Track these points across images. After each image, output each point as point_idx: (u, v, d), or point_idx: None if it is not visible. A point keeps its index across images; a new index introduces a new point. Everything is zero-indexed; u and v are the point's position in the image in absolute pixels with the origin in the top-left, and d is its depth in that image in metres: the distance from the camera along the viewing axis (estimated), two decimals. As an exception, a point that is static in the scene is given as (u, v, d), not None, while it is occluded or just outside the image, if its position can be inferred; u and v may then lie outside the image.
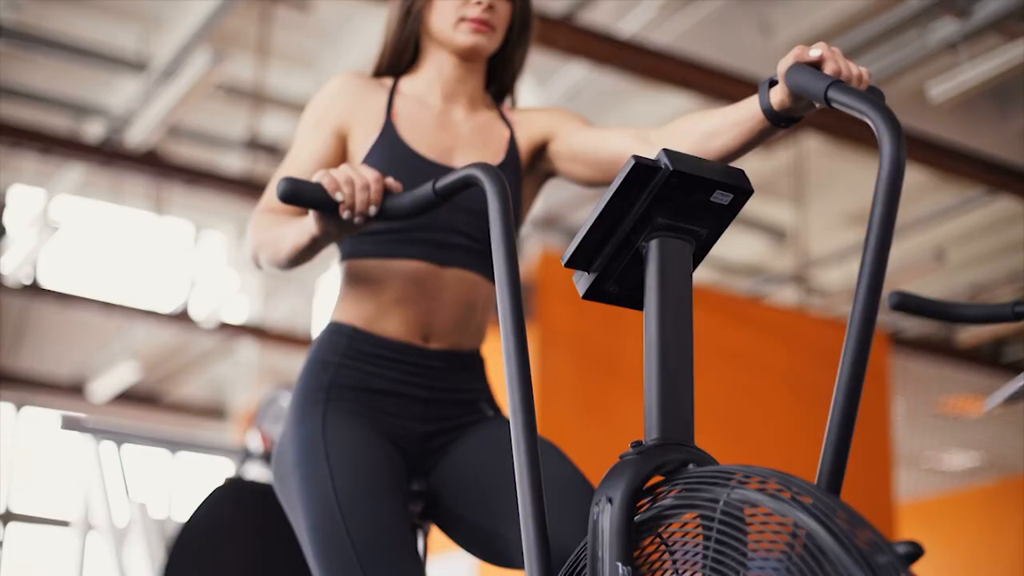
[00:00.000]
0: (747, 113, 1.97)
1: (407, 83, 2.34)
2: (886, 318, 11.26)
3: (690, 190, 1.56)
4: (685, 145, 2.05)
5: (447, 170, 2.19)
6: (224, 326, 10.53)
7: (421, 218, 2.16)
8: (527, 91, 7.72)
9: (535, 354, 7.19)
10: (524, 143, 2.34)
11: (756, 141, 2.00)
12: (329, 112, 2.26)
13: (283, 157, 8.49)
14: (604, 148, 2.22)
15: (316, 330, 10.81)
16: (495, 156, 2.30)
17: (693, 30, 7.27)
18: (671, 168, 1.54)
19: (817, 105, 1.80)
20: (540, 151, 2.35)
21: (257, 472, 3.46)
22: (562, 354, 7.09)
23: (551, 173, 2.37)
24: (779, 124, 1.94)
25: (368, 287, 2.20)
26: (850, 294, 10.60)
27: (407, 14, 2.30)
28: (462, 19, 2.26)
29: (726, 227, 1.62)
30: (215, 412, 13.77)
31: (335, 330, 2.21)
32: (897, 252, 10.15)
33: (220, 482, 2.93)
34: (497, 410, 2.28)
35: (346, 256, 2.24)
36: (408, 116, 2.27)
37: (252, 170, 8.43)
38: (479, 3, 2.24)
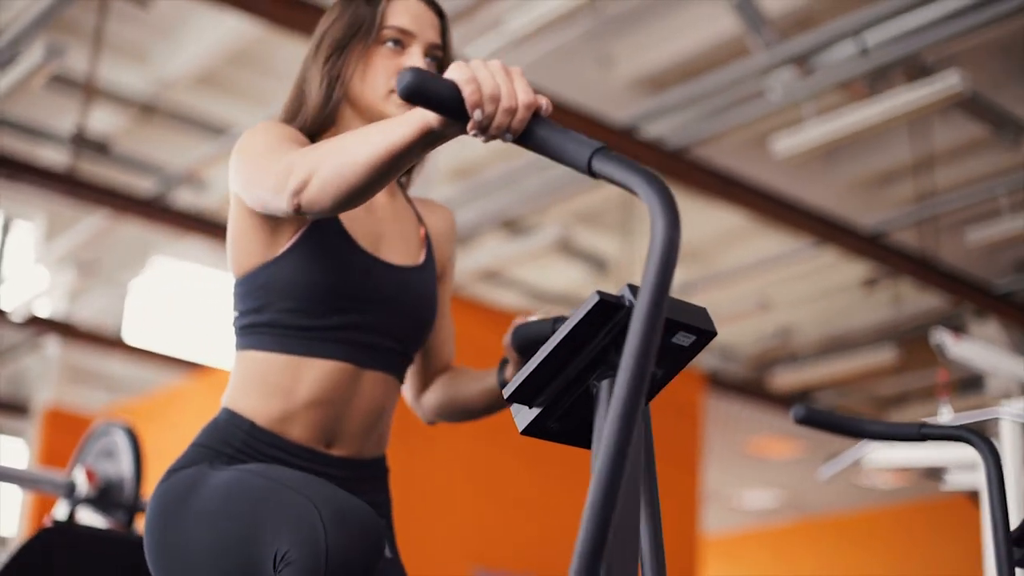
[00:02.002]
0: (488, 381, 2.21)
1: None
2: (703, 357, 11.40)
3: None
4: (438, 396, 2.30)
5: (377, 262, 2.07)
6: (31, 321, 10.18)
7: (351, 317, 2.02)
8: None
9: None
10: (436, 251, 2.26)
11: (497, 409, 2.23)
12: (293, 142, 1.95)
13: (110, 153, 8.30)
14: (436, 336, 2.31)
15: (127, 330, 10.48)
16: (416, 253, 2.18)
17: (536, 62, 7.24)
18: None
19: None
20: None
21: (87, 516, 3.25)
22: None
23: None
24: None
25: (277, 384, 2.01)
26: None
27: (333, 80, 2.11)
28: (393, 91, 2.09)
29: (683, 367, 1.53)
30: (16, 408, 13.31)
31: (231, 420, 2.01)
32: (722, 298, 10.32)
33: (48, 524, 2.73)
34: (393, 544, 2.12)
35: (251, 347, 2.05)
36: None
37: (75, 165, 8.13)
38: None
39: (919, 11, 5.79)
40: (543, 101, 1.45)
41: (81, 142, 7.96)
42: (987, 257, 9.52)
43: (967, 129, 7.94)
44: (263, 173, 1.81)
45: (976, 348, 4.44)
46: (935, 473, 5.07)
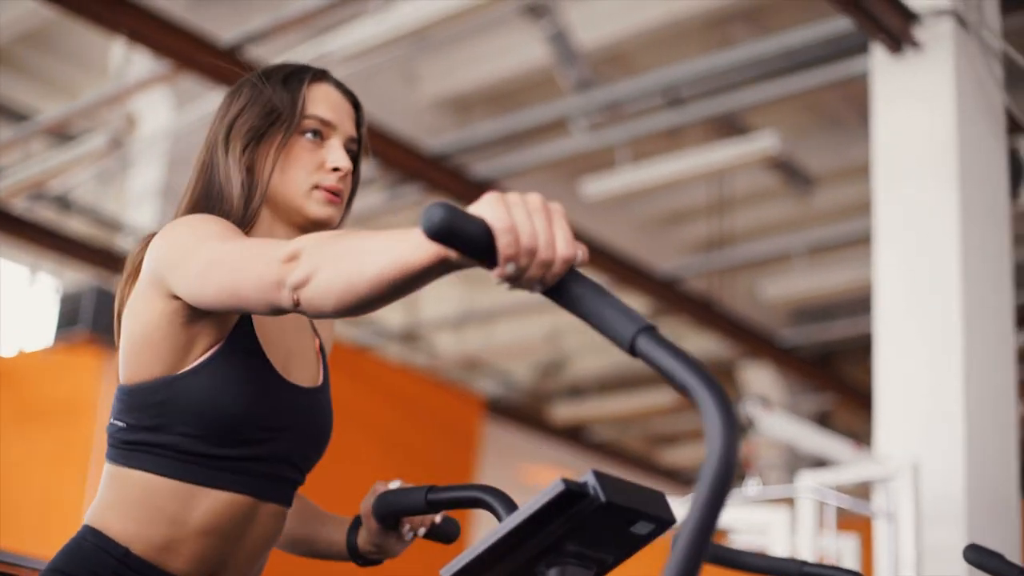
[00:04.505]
0: (337, 537, 2.08)
1: None
2: (483, 383, 11.36)
3: (613, 519, 1.33)
4: (291, 532, 2.11)
5: (286, 386, 1.90)
6: None
7: (257, 449, 1.85)
8: (160, 101, 7.34)
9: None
10: (328, 362, 2.08)
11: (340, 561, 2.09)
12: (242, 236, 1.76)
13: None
14: None
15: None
16: (316, 370, 2.01)
17: (341, 77, 7.09)
18: (603, 499, 1.29)
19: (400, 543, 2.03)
20: None
21: None
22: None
23: None
24: (358, 561, 2.05)
25: (165, 511, 1.81)
26: (463, 360, 10.66)
27: (252, 174, 1.93)
28: (316, 187, 1.94)
29: (632, 554, 1.42)
30: None
31: (101, 545, 1.81)
32: (510, 334, 10.29)
33: None
34: None
35: (139, 467, 1.83)
36: None
37: None
38: (337, 170, 1.95)
39: (730, 67, 5.83)
40: (580, 253, 1.27)
41: None
42: (772, 306, 9.70)
43: (760, 178, 8.06)
44: (246, 259, 1.58)
45: (785, 422, 4.44)
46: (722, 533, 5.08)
